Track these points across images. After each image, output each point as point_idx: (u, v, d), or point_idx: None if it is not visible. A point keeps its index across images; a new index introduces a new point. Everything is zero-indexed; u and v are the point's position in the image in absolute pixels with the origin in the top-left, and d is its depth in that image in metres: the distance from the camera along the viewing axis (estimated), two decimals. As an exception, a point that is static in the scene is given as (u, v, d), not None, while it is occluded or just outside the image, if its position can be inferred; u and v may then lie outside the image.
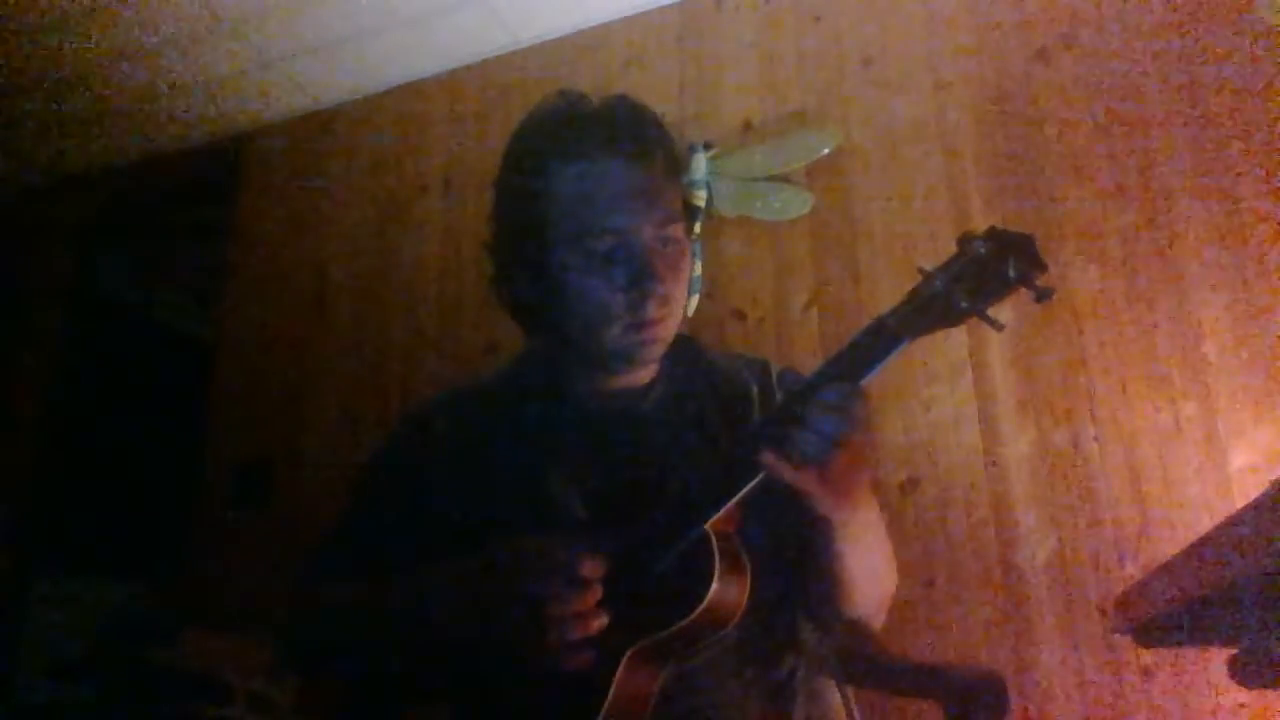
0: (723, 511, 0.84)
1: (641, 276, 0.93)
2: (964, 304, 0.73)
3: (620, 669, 0.84)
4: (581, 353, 1.01)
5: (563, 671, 0.81)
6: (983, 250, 0.72)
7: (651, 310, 0.94)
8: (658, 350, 1.00)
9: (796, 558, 0.95)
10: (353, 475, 1.10)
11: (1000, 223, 0.75)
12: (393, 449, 1.10)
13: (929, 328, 0.75)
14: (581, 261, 0.94)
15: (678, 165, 1.03)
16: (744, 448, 0.82)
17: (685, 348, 1.10)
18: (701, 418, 1.04)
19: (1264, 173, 1.69)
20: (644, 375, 1.05)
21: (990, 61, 1.96)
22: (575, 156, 0.95)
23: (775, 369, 1.13)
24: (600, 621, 0.81)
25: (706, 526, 0.84)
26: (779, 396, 0.85)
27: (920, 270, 0.76)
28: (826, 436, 0.77)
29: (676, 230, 0.97)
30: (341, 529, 1.06)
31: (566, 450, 1.01)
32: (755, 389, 1.08)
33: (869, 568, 0.95)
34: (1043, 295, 0.71)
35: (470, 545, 0.91)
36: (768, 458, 0.79)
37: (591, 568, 0.82)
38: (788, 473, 0.79)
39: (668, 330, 0.99)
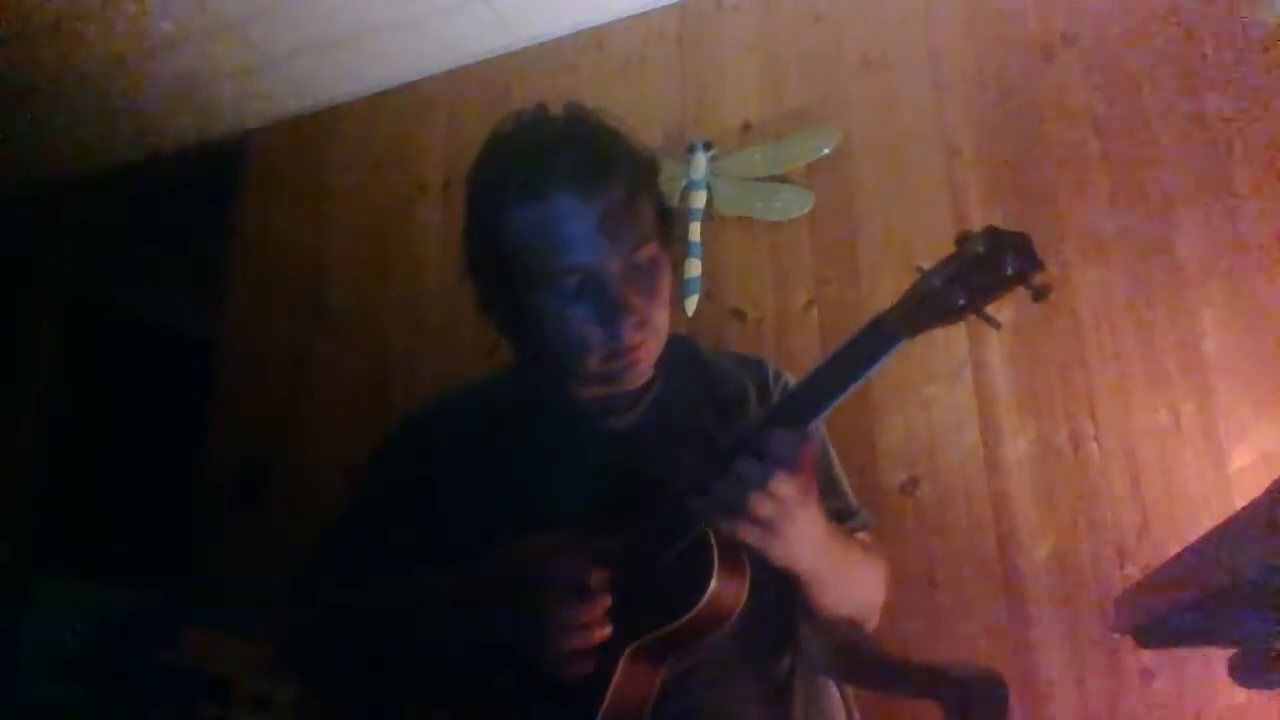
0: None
1: (613, 310, 0.92)
2: (962, 302, 0.73)
3: (619, 667, 0.85)
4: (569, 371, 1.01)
5: (562, 678, 0.82)
6: (980, 249, 0.72)
7: (627, 338, 0.94)
8: (643, 369, 1.00)
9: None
10: (351, 477, 1.10)
11: (1000, 222, 0.75)
12: (391, 451, 1.10)
13: (927, 326, 0.75)
14: (553, 298, 0.94)
15: (645, 178, 0.99)
16: (679, 492, 0.82)
17: (681, 348, 1.10)
18: (698, 419, 1.04)
19: (1264, 173, 1.69)
20: (639, 379, 1.05)
21: (990, 61, 1.96)
22: (532, 197, 0.92)
23: (772, 368, 1.13)
24: (603, 632, 0.82)
25: (706, 526, 0.84)
26: (726, 437, 0.85)
27: (918, 269, 0.76)
28: (748, 491, 0.76)
29: (648, 250, 0.95)
30: (340, 531, 1.06)
31: (565, 452, 1.01)
32: (752, 389, 1.08)
33: (844, 599, 0.96)
34: (1040, 293, 0.71)
35: (470, 547, 0.91)
36: (695, 503, 0.80)
37: (597, 579, 0.82)
38: (726, 527, 0.79)
39: (650, 350, 0.99)
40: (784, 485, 0.77)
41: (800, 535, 0.81)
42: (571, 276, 0.92)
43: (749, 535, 0.79)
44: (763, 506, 0.77)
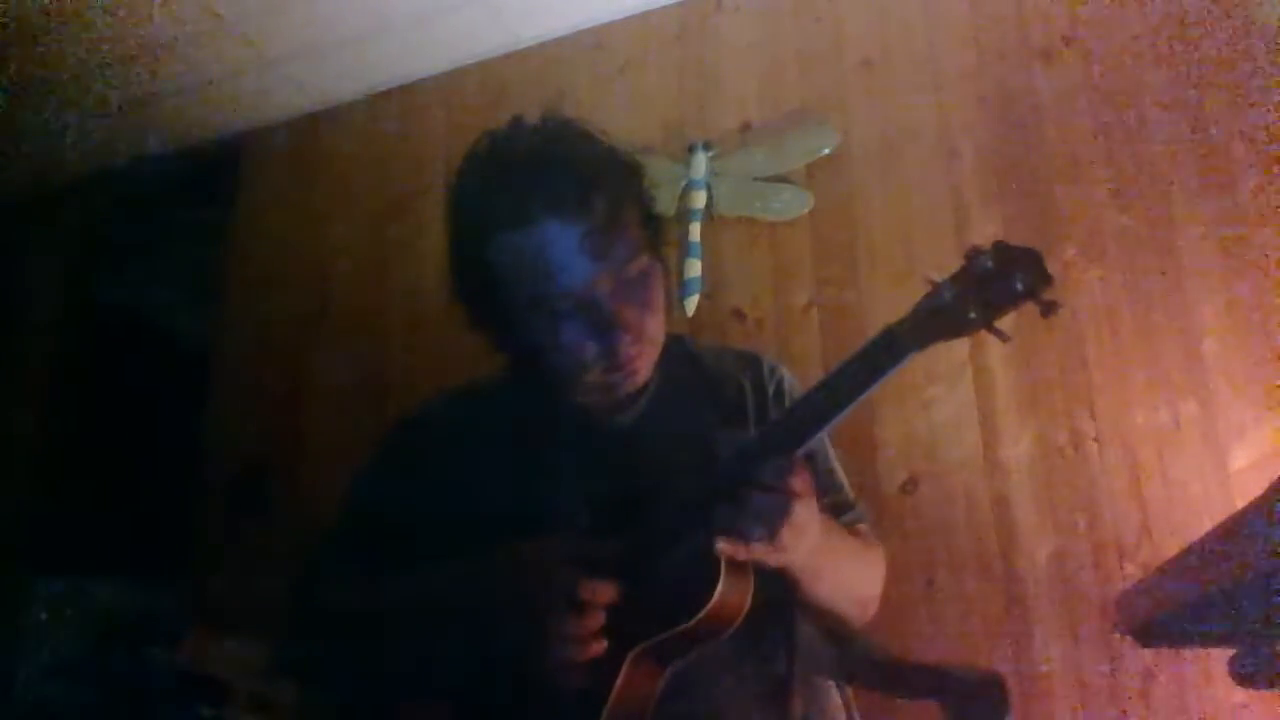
0: None
1: (607, 329, 0.92)
2: (972, 316, 0.74)
3: (623, 669, 0.85)
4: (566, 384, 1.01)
5: (558, 687, 0.82)
6: (990, 264, 0.73)
7: (623, 352, 0.94)
8: (640, 378, 1.00)
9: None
10: (350, 479, 1.10)
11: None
12: (389, 453, 1.10)
13: (937, 338, 0.76)
14: (546, 321, 0.93)
15: (629, 189, 0.97)
16: (689, 517, 0.83)
17: (677, 347, 1.10)
18: (696, 418, 1.05)
19: (1264, 173, 1.69)
20: (636, 385, 1.04)
21: (990, 61, 1.96)
22: (515, 224, 0.91)
23: (768, 363, 1.13)
24: (600, 646, 0.83)
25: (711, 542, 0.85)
26: (725, 456, 0.86)
27: (929, 281, 0.77)
28: (758, 512, 0.79)
29: (639, 264, 0.94)
30: (339, 534, 1.06)
31: (565, 455, 1.01)
32: (748, 386, 1.09)
33: (841, 593, 0.99)
34: (1049, 309, 0.72)
35: (469, 549, 0.91)
36: (700, 520, 0.81)
37: (597, 592, 0.82)
38: (731, 550, 0.81)
39: (647, 359, 0.99)
40: (792, 508, 0.79)
41: (800, 544, 0.82)
42: (563, 301, 0.92)
43: (755, 552, 0.81)
44: (771, 530, 0.79)
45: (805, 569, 0.90)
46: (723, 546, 0.80)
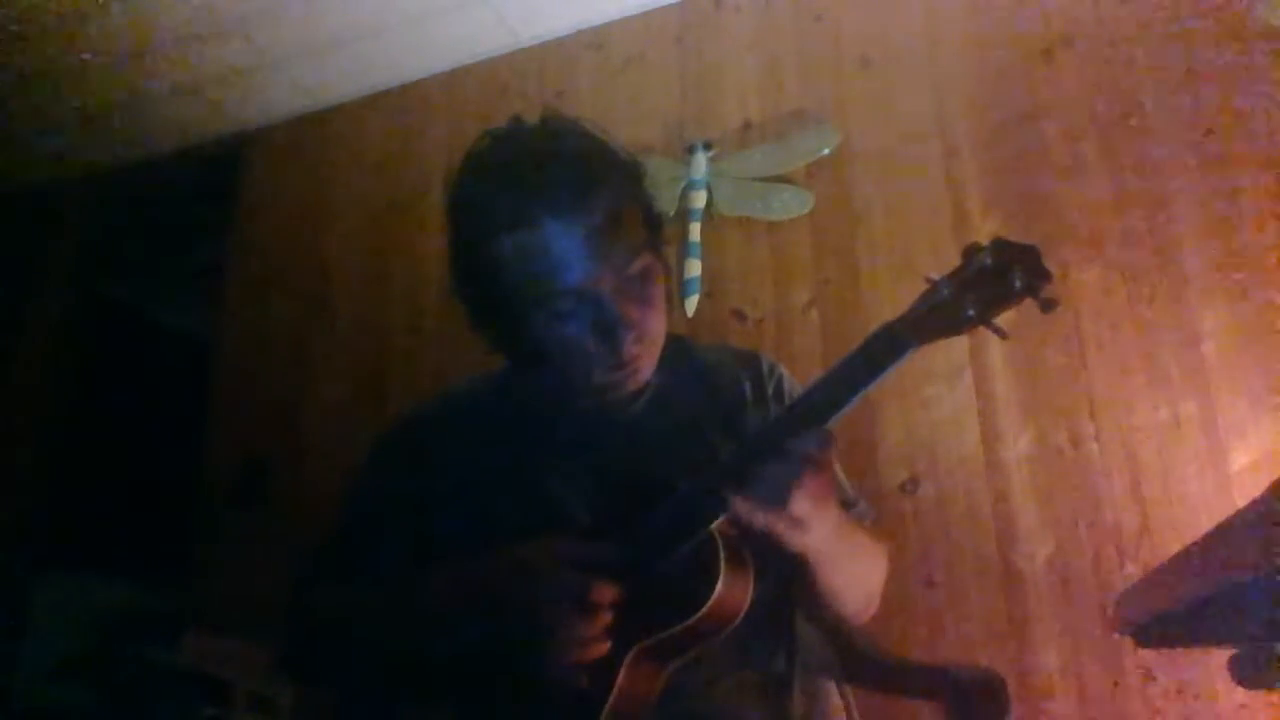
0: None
1: (611, 328, 0.91)
2: (971, 313, 0.74)
3: (623, 668, 0.85)
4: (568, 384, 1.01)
5: (560, 688, 0.82)
6: (989, 261, 0.73)
7: (627, 351, 0.93)
8: (643, 377, 1.00)
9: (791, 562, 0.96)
10: (348, 480, 1.10)
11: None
12: (388, 453, 1.10)
13: (936, 335, 0.76)
14: (549, 319, 0.93)
15: (631, 188, 0.97)
16: (710, 481, 0.83)
17: (676, 347, 1.10)
18: (695, 417, 1.05)
19: (1264, 173, 1.69)
20: (637, 385, 1.05)
21: (990, 61, 1.96)
22: (515, 223, 0.90)
23: (767, 361, 1.13)
24: (603, 648, 0.83)
25: (711, 527, 0.85)
26: (754, 426, 0.84)
27: (927, 279, 0.77)
28: (784, 485, 0.78)
29: (640, 263, 0.94)
30: (339, 535, 1.06)
31: (564, 455, 1.01)
32: (747, 385, 1.09)
33: (852, 582, 0.98)
34: (1048, 305, 0.72)
35: (469, 549, 0.91)
36: (729, 493, 0.81)
37: (601, 593, 0.82)
38: (751, 512, 0.80)
39: (649, 360, 0.99)
40: (816, 483, 0.79)
41: (816, 518, 0.82)
42: (566, 299, 0.91)
43: (779, 528, 0.80)
44: (799, 505, 0.79)
45: (822, 554, 0.88)
46: (729, 495, 0.80)
